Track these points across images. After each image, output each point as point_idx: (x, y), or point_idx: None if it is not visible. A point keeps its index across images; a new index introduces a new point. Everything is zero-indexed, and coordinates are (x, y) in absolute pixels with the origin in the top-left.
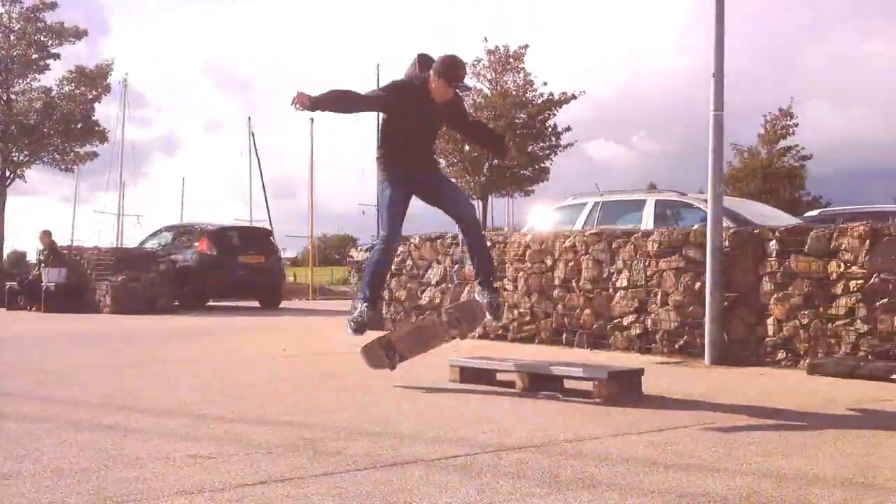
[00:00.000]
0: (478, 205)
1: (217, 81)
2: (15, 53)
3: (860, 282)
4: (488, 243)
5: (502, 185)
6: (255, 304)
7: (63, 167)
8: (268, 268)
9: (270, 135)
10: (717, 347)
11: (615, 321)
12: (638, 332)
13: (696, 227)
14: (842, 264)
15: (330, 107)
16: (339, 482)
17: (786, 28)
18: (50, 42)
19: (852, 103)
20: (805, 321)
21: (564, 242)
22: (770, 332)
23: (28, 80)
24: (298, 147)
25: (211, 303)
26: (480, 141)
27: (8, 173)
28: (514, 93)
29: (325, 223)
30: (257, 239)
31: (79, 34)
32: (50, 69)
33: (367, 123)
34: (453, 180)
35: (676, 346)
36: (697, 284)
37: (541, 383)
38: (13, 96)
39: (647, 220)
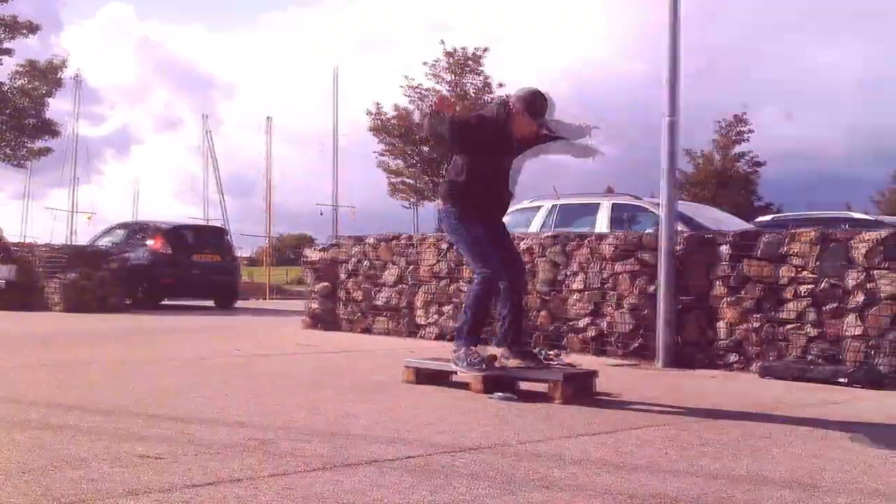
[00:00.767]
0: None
1: (173, 79)
2: None
3: (810, 286)
4: (444, 246)
5: None
6: (210, 303)
7: (15, 163)
8: (223, 267)
9: (227, 133)
10: (670, 350)
11: (570, 323)
12: (593, 334)
13: (650, 231)
14: (792, 269)
15: (451, 131)
16: (291, 483)
17: (743, 33)
18: (3, 35)
19: (807, 110)
20: (756, 325)
21: (521, 244)
22: (722, 336)
23: None
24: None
25: (165, 302)
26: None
27: None
28: (472, 95)
29: (282, 222)
30: (212, 237)
31: (32, 28)
32: (1, 63)
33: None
34: (414, 181)
35: (631, 349)
36: (652, 288)
37: (496, 385)
38: None
39: (603, 224)
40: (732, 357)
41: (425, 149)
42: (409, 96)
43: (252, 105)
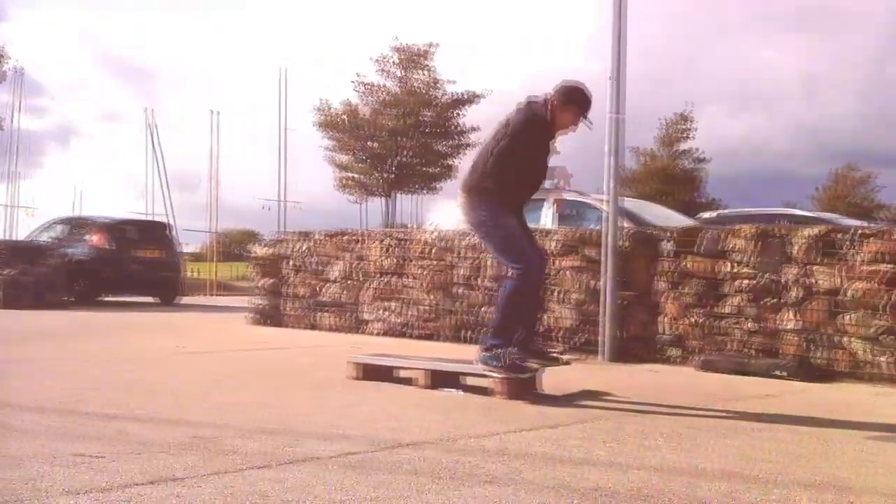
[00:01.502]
0: (383, 202)
1: (116, 71)
2: None
3: (749, 281)
4: (389, 240)
5: (409, 181)
6: (152, 299)
7: None
8: (166, 262)
9: (171, 127)
10: (613, 344)
11: None
12: (538, 329)
13: (594, 227)
14: (732, 265)
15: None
16: (233, 481)
17: (688, 32)
18: None
19: (750, 108)
20: (697, 319)
21: (465, 241)
22: (664, 330)
23: None
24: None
25: (106, 298)
26: None
27: None
28: (420, 91)
29: (226, 218)
30: (155, 233)
31: None
32: None
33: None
34: (360, 176)
35: (575, 344)
36: (596, 283)
37: (441, 380)
38: None
39: (549, 219)
40: (674, 351)
41: (376, 144)
42: (358, 91)
43: (199, 99)
